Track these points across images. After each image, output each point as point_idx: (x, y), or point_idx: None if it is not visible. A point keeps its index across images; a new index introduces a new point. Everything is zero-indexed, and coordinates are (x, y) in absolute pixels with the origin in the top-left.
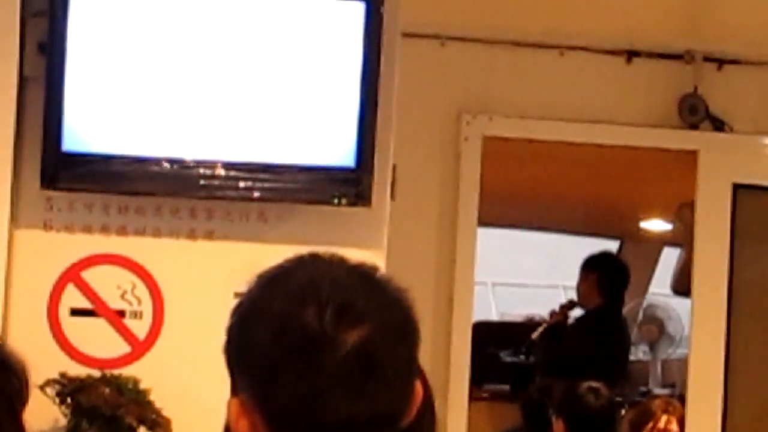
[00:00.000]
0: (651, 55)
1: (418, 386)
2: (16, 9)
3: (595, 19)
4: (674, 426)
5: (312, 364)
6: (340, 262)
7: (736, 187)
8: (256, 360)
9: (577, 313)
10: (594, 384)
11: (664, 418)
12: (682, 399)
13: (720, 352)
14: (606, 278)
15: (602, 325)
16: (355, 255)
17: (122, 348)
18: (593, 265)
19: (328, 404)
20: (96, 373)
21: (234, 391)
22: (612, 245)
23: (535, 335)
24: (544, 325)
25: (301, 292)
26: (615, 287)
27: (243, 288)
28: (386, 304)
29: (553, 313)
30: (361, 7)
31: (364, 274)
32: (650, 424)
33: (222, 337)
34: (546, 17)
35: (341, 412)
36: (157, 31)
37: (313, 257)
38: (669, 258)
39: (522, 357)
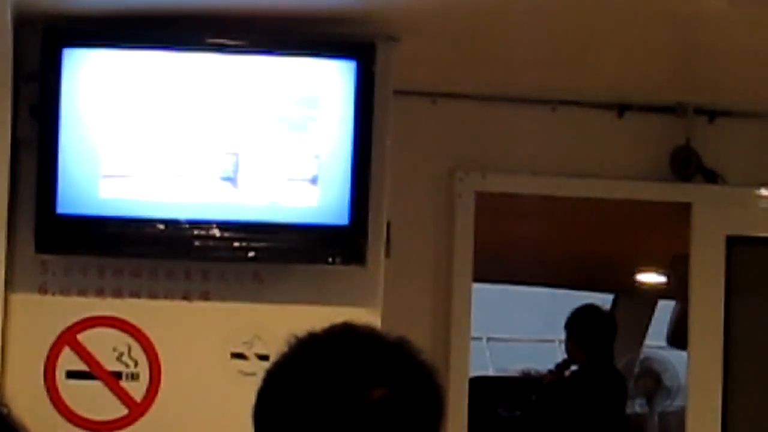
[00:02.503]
0: (642, 108)
1: None
2: (8, 72)
3: (586, 73)
4: None
5: (335, 423)
6: (372, 333)
7: (730, 240)
8: (301, 425)
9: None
10: None
11: None
12: None
13: (717, 405)
14: (585, 335)
15: (592, 381)
16: (350, 314)
17: (119, 410)
18: (574, 323)
19: None
20: None
21: None
22: (606, 299)
23: (534, 397)
24: (543, 384)
25: (348, 369)
26: (598, 342)
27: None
28: (410, 372)
29: (549, 373)
30: (352, 66)
31: (394, 345)
32: None
33: (218, 397)
34: (537, 73)
35: None
36: (149, 94)
37: (347, 327)
38: (664, 311)
39: (518, 413)
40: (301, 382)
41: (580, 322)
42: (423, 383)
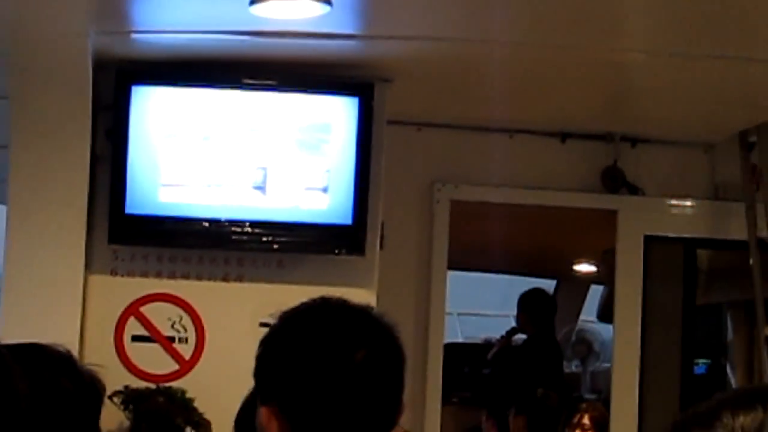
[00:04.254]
0: (580, 136)
1: (404, 400)
2: (88, 104)
3: (537, 109)
4: (587, 421)
5: (329, 380)
6: (346, 304)
7: (647, 238)
8: (287, 379)
9: (519, 336)
10: (545, 390)
11: (578, 416)
12: (606, 402)
13: (636, 365)
14: (533, 311)
15: (539, 347)
16: (352, 294)
17: (172, 366)
18: (524, 302)
19: (339, 410)
20: (152, 386)
21: (263, 401)
22: (550, 283)
23: (489, 355)
24: (495, 348)
25: (320, 329)
26: (543, 317)
27: (268, 320)
28: (380, 335)
29: (501, 338)
30: (356, 101)
31: (363, 312)
32: (574, 420)
33: (249, 357)
34: (498, 108)
35: (348, 416)
36: (198, 122)
37: (324, 301)
38: (595, 293)
39: (485, 371)
40: (294, 348)
41: (529, 301)
42: (390, 343)
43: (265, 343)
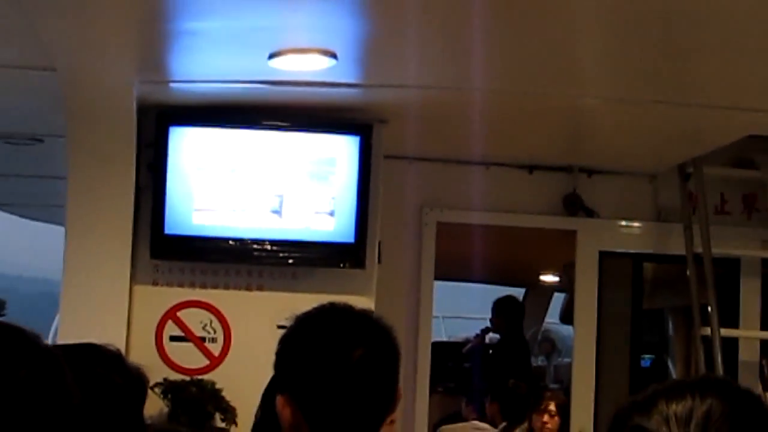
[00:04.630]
0: (545, 168)
1: (400, 389)
2: (133, 142)
3: (508, 145)
4: (552, 407)
5: (331, 373)
6: (349, 309)
7: (602, 254)
8: (298, 372)
9: (493, 336)
10: (516, 381)
11: (545, 402)
12: (567, 391)
13: (592, 360)
14: (506, 315)
15: (511, 344)
16: (353, 301)
17: (203, 362)
18: (498, 307)
19: (342, 398)
20: (187, 378)
21: (280, 390)
22: (520, 291)
23: (464, 350)
24: (470, 344)
25: (327, 330)
26: (513, 319)
27: (284, 323)
28: (377, 335)
29: (476, 336)
30: (357, 139)
31: (364, 316)
32: (540, 406)
33: (268, 354)
34: (476, 144)
35: (351, 403)
36: (225, 156)
37: (332, 306)
38: (557, 300)
39: (465, 365)
40: (305, 346)
41: (502, 306)
42: (385, 341)
43: (281, 342)
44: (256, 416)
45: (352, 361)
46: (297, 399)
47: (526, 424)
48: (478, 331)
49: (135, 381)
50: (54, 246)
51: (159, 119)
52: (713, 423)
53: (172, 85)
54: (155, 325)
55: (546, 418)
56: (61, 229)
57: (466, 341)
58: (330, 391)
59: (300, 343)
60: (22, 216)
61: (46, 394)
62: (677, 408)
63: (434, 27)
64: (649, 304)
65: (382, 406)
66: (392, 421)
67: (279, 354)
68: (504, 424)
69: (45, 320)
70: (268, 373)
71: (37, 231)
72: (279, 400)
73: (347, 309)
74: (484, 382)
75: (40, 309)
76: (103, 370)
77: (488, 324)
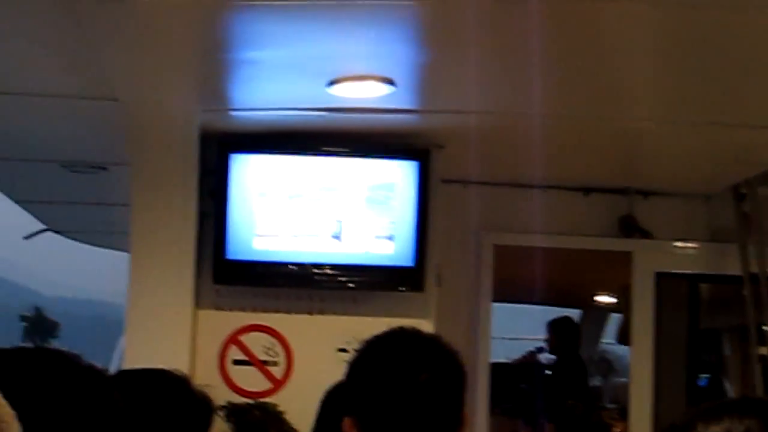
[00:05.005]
0: (601, 190)
1: (466, 414)
2: (196, 169)
3: (565, 169)
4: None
5: (396, 397)
6: (417, 333)
7: (658, 275)
8: (363, 395)
9: (547, 356)
10: (573, 402)
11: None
12: (623, 411)
13: (649, 379)
14: (562, 335)
15: (568, 365)
16: (413, 324)
17: (266, 385)
18: (554, 327)
19: (405, 422)
20: (250, 401)
21: (347, 413)
22: (576, 312)
23: (514, 361)
24: (519, 359)
25: (392, 354)
26: (569, 340)
27: (345, 346)
28: (443, 359)
29: (528, 354)
30: (415, 165)
31: (431, 340)
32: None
33: (330, 376)
34: (532, 168)
35: (414, 427)
36: (285, 182)
37: (400, 330)
38: (614, 320)
39: (522, 386)
40: (370, 369)
41: (558, 326)
42: (451, 366)
43: (349, 365)
44: None
45: (416, 385)
46: (362, 422)
47: None
48: (533, 348)
49: (201, 405)
50: (107, 270)
51: (220, 147)
52: None
53: (233, 113)
54: (218, 349)
55: None
56: (118, 254)
57: (525, 356)
58: (394, 415)
59: (366, 366)
60: (84, 242)
61: (93, 410)
62: (715, 429)
63: (491, 53)
64: (706, 324)
65: (446, 430)
66: None
67: (346, 377)
68: None
69: (98, 342)
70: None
71: (93, 256)
72: (346, 422)
73: (414, 333)
74: (541, 403)
75: (93, 331)
76: (171, 393)
77: (542, 344)
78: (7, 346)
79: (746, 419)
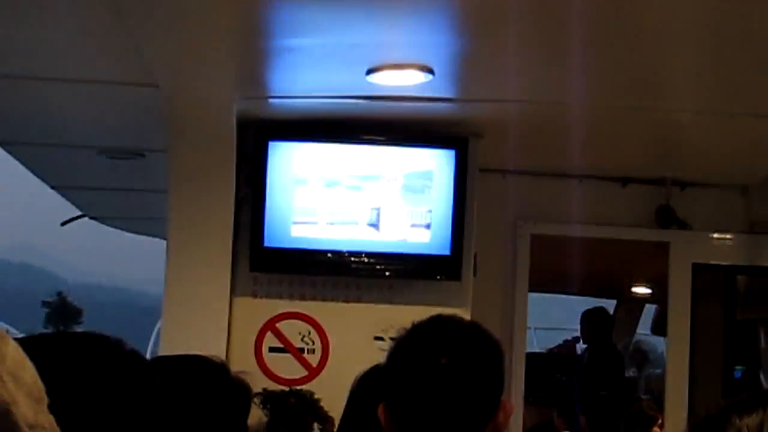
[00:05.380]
0: (638, 180)
1: (507, 403)
2: (233, 156)
3: (602, 158)
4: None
5: (419, 382)
6: (453, 320)
7: (695, 266)
8: (393, 380)
9: (580, 345)
10: (605, 393)
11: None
12: (659, 401)
13: (686, 370)
14: (595, 325)
15: (601, 355)
16: (450, 311)
17: (302, 372)
18: (587, 317)
19: (430, 407)
20: (285, 388)
21: (383, 398)
22: (611, 303)
23: (551, 349)
24: (555, 348)
25: (420, 341)
26: (603, 330)
27: (381, 334)
28: (473, 344)
29: (565, 342)
30: (453, 153)
31: (465, 326)
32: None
33: (366, 364)
34: (570, 158)
35: (440, 412)
36: (323, 170)
37: (437, 317)
38: (648, 311)
39: (558, 375)
40: (403, 355)
41: (591, 317)
42: (483, 351)
43: (388, 351)
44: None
45: (437, 369)
46: (392, 407)
47: None
48: (569, 338)
49: (239, 391)
50: (135, 256)
51: (258, 134)
52: None
53: (271, 100)
54: (255, 336)
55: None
56: (163, 242)
57: (560, 347)
58: (417, 399)
59: (396, 351)
60: (120, 228)
61: (136, 394)
62: (749, 420)
63: (531, 42)
64: (742, 315)
65: (476, 416)
66: (498, 427)
67: (387, 365)
68: None
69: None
70: None
71: (120, 241)
72: (379, 408)
73: (450, 319)
74: (576, 394)
75: (118, 318)
76: (209, 379)
77: (576, 335)
78: (30, 332)
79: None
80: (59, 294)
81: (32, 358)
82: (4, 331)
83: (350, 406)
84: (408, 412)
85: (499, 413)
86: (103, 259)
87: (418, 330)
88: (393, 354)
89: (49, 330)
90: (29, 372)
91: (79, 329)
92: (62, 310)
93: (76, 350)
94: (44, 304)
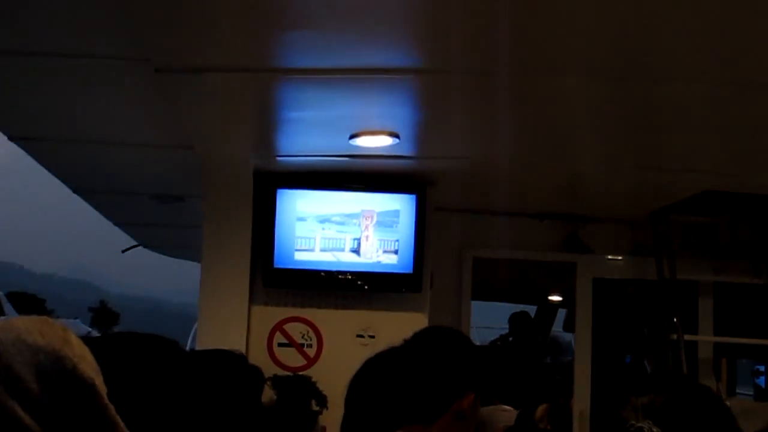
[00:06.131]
0: (551, 216)
1: (472, 395)
2: (250, 200)
3: (523, 198)
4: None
5: (400, 366)
6: (434, 330)
7: (595, 280)
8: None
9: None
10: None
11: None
12: (570, 382)
13: (589, 358)
14: (520, 325)
15: (524, 347)
16: (411, 317)
17: (302, 362)
18: (514, 319)
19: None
20: (290, 374)
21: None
22: (533, 308)
23: (491, 342)
24: (489, 342)
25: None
26: (525, 328)
27: (361, 332)
28: (435, 339)
29: (497, 339)
30: (414, 197)
31: (434, 329)
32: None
33: (351, 355)
34: (501, 199)
35: (418, 386)
36: (319, 211)
37: (430, 328)
38: (561, 313)
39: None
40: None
41: (517, 318)
42: (453, 345)
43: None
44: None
45: (421, 356)
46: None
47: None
48: (502, 334)
49: (255, 376)
50: (168, 274)
51: (269, 183)
52: (668, 411)
53: (278, 158)
54: (267, 335)
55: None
56: (198, 265)
57: (493, 342)
58: (404, 377)
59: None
60: (164, 254)
61: (188, 380)
62: (643, 400)
63: (471, 114)
64: (629, 316)
65: (445, 396)
66: (461, 412)
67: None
68: (520, 411)
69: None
70: (350, 369)
71: (159, 262)
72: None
73: (440, 328)
74: (508, 376)
75: (148, 321)
76: (233, 367)
77: (504, 332)
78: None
79: (665, 393)
80: (101, 302)
81: (109, 352)
82: (64, 325)
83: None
84: (400, 383)
85: (463, 399)
86: (141, 276)
87: (414, 336)
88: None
89: (95, 330)
90: (90, 356)
91: (116, 330)
92: (103, 314)
93: (143, 345)
94: (90, 309)
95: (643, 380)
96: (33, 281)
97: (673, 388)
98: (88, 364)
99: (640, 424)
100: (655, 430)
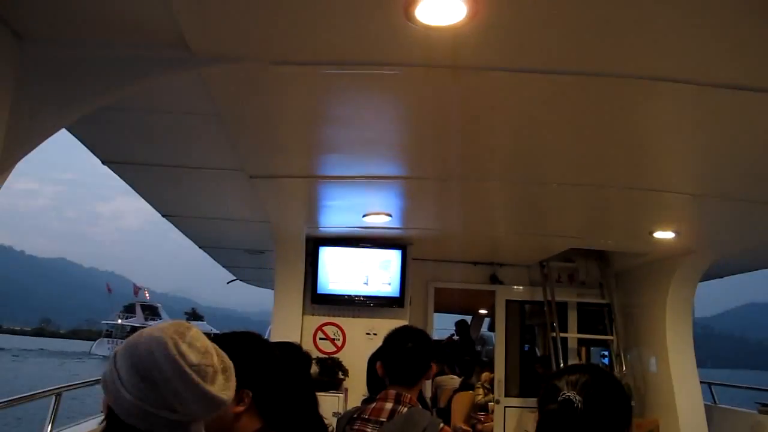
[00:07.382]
0: (481, 263)
1: (434, 366)
2: (302, 254)
3: (466, 252)
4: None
5: (395, 351)
6: (408, 328)
7: (507, 301)
8: (385, 349)
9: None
10: (468, 358)
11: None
12: (491, 364)
13: (503, 347)
14: (462, 328)
15: (464, 343)
16: (398, 323)
17: (333, 349)
18: (458, 325)
19: (400, 361)
20: (325, 356)
21: (378, 359)
22: (469, 317)
23: (445, 339)
24: (444, 340)
25: (398, 334)
26: (465, 331)
27: (372, 333)
28: (420, 337)
29: (448, 338)
30: (400, 251)
31: (412, 329)
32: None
33: (363, 346)
34: (456, 254)
35: (404, 364)
36: (343, 260)
37: (406, 326)
38: (487, 321)
39: (447, 351)
40: (388, 340)
41: (460, 324)
42: (424, 340)
43: (384, 340)
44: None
45: (405, 347)
46: (384, 362)
47: (473, 378)
48: (449, 335)
49: (306, 358)
50: (247, 295)
51: (314, 244)
52: (588, 385)
53: (320, 228)
54: (312, 332)
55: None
56: (271, 291)
57: (446, 339)
58: (396, 358)
59: (387, 339)
60: (252, 285)
61: (269, 358)
62: (571, 378)
63: (438, 204)
64: (528, 321)
65: (420, 369)
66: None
67: (382, 344)
68: (463, 378)
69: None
70: (364, 355)
71: (242, 288)
72: (377, 364)
73: (410, 327)
74: (455, 358)
75: (229, 328)
76: (294, 352)
77: (453, 332)
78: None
79: (585, 373)
80: (193, 309)
81: (236, 345)
82: (187, 323)
83: (369, 369)
84: (389, 365)
85: (429, 371)
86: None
87: (397, 331)
88: (386, 341)
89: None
90: (202, 342)
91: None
92: (193, 318)
93: (251, 337)
94: (185, 314)
95: (574, 366)
96: (155, 297)
97: (588, 371)
98: (189, 351)
99: (568, 394)
100: (578, 398)
